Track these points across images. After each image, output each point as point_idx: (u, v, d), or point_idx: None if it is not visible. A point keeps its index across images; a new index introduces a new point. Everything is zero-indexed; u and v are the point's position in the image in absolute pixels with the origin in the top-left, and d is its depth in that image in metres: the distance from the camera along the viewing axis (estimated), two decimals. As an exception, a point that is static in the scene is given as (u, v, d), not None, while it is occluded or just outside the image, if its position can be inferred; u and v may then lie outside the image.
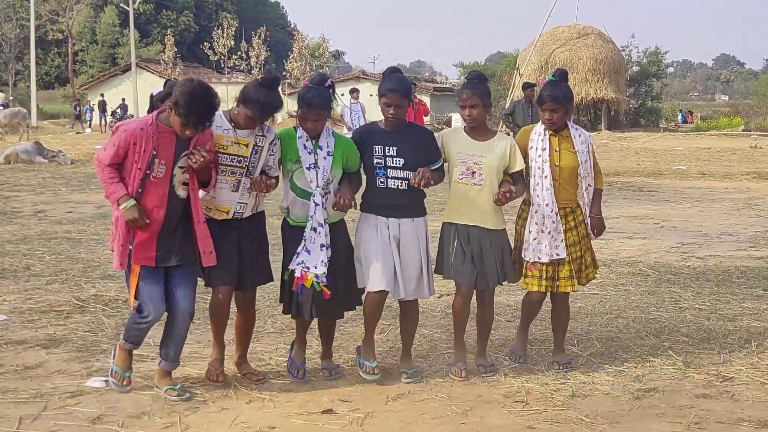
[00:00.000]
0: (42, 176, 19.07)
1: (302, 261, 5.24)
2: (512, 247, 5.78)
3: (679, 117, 58.74)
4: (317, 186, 5.24)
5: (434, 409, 5.11)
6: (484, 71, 52.21)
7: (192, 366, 5.67)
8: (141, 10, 60.08)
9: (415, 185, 5.31)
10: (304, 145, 5.30)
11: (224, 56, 52.23)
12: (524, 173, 5.71)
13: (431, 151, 5.51)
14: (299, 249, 5.26)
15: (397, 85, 5.41)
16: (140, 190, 4.92)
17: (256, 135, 5.23)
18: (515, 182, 5.62)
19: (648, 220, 13.17)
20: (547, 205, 5.60)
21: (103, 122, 45.95)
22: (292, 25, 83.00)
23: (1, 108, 34.35)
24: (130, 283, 5.08)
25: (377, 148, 5.40)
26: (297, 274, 5.25)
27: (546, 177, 5.59)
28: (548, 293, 5.82)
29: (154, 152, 4.91)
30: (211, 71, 54.88)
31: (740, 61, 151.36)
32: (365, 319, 5.56)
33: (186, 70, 50.74)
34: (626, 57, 50.56)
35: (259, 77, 5.22)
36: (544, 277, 5.69)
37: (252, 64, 52.24)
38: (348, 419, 4.93)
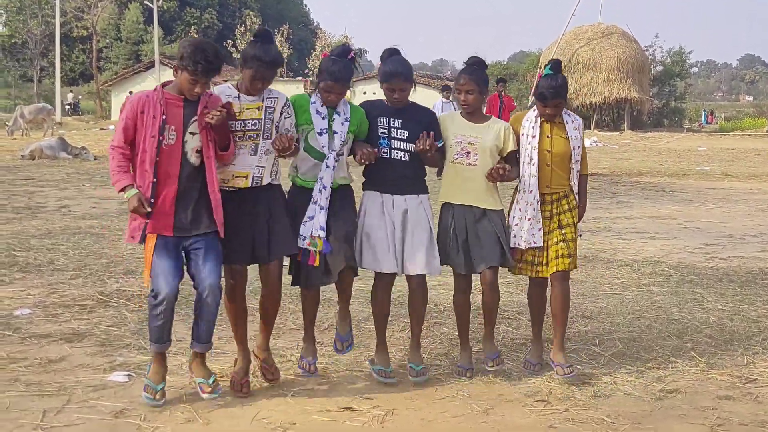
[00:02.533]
0: (66, 172, 19.20)
1: (310, 228, 5.25)
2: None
3: (703, 117, 58.40)
4: (332, 150, 5.25)
5: (455, 407, 5.10)
6: (507, 70, 52.23)
7: (212, 362, 5.67)
8: (165, 8, 60.45)
9: (420, 147, 5.28)
10: (317, 110, 5.29)
11: (247, 54, 52.37)
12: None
13: (435, 129, 5.49)
14: (308, 215, 5.25)
15: (399, 68, 5.40)
16: (157, 159, 4.86)
17: (267, 98, 5.20)
18: (510, 165, 5.61)
19: (671, 221, 13.10)
20: (530, 191, 5.58)
21: None
22: (315, 23, 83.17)
23: (68, 108, 34.96)
24: (145, 258, 4.98)
25: (382, 119, 5.43)
26: (303, 244, 5.24)
27: (534, 164, 5.56)
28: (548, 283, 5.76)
29: (164, 116, 4.86)
30: (233, 68, 55.00)
31: (765, 61, 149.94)
32: (375, 317, 5.61)
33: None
34: (650, 57, 50.32)
35: (252, 35, 5.21)
36: (528, 261, 5.67)
37: (275, 61, 52.33)
38: (368, 416, 4.94)
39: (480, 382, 5.53)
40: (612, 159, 25.76)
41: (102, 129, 42.17)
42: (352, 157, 5.45)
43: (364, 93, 51.61)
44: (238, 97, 5.15)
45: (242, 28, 54.52)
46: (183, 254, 5.03)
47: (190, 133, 4.93)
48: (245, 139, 5.14)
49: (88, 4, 57.64)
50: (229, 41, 54.33)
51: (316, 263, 5.24)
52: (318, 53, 54.24)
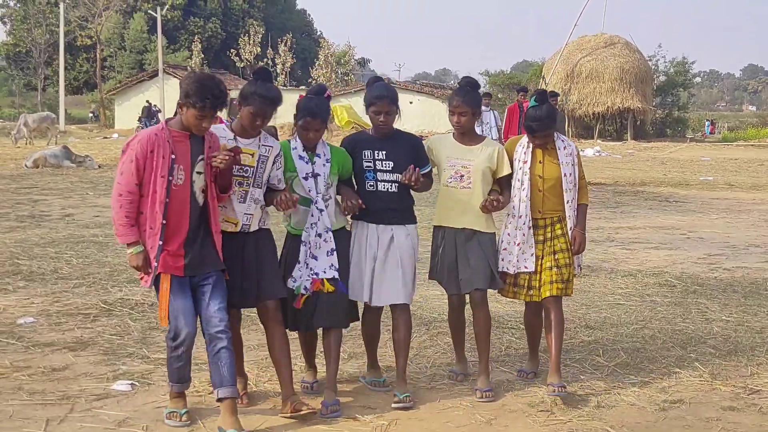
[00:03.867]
0: (70, 180, 19.22)
1: (311, 269, 5.18)
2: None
3: (706, 127, 58.44)
4: (317, 193, 5.20)
5: (458, 417, 5.10)
6: (510, 80, 52.19)
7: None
8: (169, 17, 60.64)
9: (405, 182, 5.28)
10: (300, 155, 5.23)
11: (250, 63, 52.54)
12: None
13: (420, 156, 5.49)
14: (300, 259, 5.18)
15: (385, 92, 5.39)
16: (167, 200, 4.72)
17: (261, 145, 5.12)
18: (503, 189, 5.64)
19: (674, 231, 13.09)
20: (520, 216, 5.57)
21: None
22: (318, 33, 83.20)
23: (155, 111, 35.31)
24: (160, 299, 4.81)
25: (366, 152, 5.40)
26: (306, 286, 5.17)
27: (524, 189, 5.56)
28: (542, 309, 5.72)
29: (173, 156, 4.74)
30: (237, 78, 55.12)
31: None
32: (364, 339, 5.71)
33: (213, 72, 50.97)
34: (653, 66, 50.31)
35: (251, 73, 5.15)
36: (521, 285, 5.63)
37: (278, 71, 52.50)
38: (372, 426, 4.93)
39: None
40: (615, 169, 25.76)
41: (105, 138, 42.22)
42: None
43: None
44: (234, 139, 5.07)
45: (246, 38, 54.62)
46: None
47: (197, 173, 4.84)
48: (235, 185, 5.05)
49: (92, 13, 57.80)
50: (232, 50, 54.48)
51: (299, 305, 5.19)
52: (321, 62, 54.34)
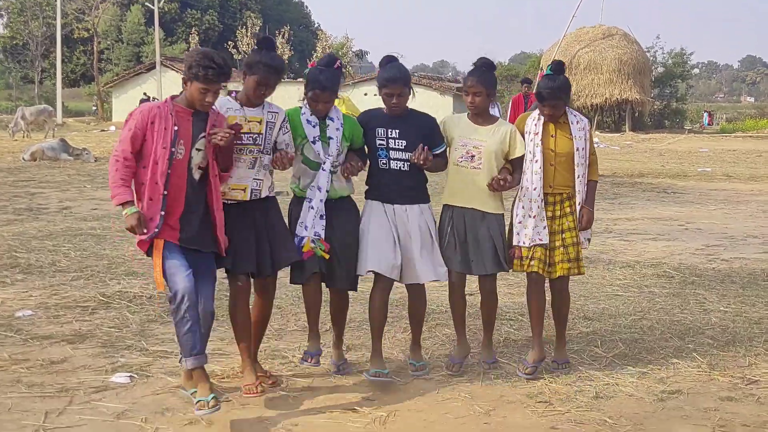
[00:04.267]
0: (67, 173, 19.21)
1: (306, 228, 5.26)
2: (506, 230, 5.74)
3: (704, 118, 58.44)
4: (329, 155, 5.27)
5: (457, 408, 5.10)
6: (508, 71, 52.09)
7: (215, 363, 5.68)
8: (166, 9, 60.48)
9: (415, 161, 5.32)
10: (308, 119, 5.29)
11: (248, 55, 52.47)
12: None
13: (434, 136, 5.53)
14: (302, 217, 5.27)
15: (397, 74, 5.41)
16: (169, 171, 4.75)
17: (268, 112, 5.20)
18: (514, 170, 5.64)
19: (672, 222, 13.09)
20: (534, 189, 5.57)
21: None
22: (316, 25, 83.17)
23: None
24: (154, 262, 4.80)
25: (380, 130, 5.43)
26: (302, 243, 5.25)
27: (537, 161, 5.56)
28: (545, 281, 5.74)
29: (176, 128, 4.76)
30: (235, 69, 55.08)
31: (766, 62, 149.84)
32: (371, 323, 5.55)
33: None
34: (651, 58, 50.30)
35: (255, 41, 5.08)
36: (530, 257, 5.60)
37: (276, 63, 52.41)
38: (371, 417, 4.93)
39: (482, 383, 5.53)
40: (613, 160, 25.75)
41: (103, 131, 42.18)
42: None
43: (365, 95, 51.53)
44: (241, 108, 5.14)
45: (243, 30, 54.52)
46: None
47: (197, 149, 4.86)
48: (245, 152, 5.12)
49: (89, 5, 57.64)
50: (230, 42, 54.38)
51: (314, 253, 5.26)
52: (319, 55, 54.24)
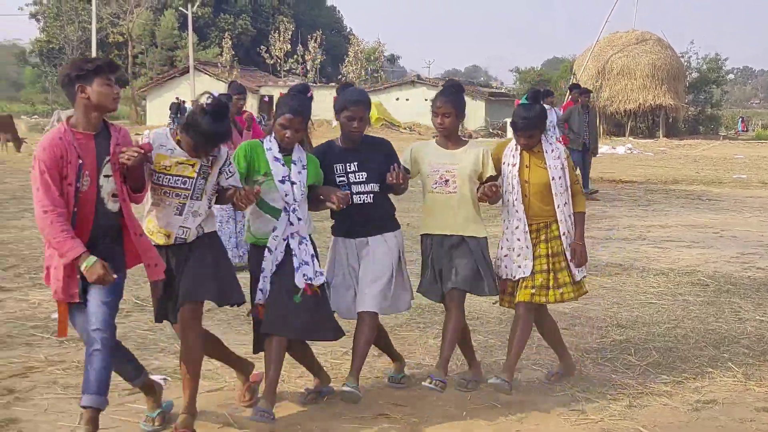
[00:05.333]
0: (102, 176, 19.33)
1: (304, 274, 4.91)
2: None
3: (738, 124, 57.90)
4: (295, 200, 4.94)
5: (489, 415, 5.08)
6: (540, 77, 51.87)
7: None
8: (199, 14, 60.90)
9: (392, 182, 5.06)
10: (275, 157, 4.94)
11: (280, 60, 52.77)
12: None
13: (392, 160, 5.26)
14: (265, 269, 4.91)
15: (360, 96, 5.23)
16: (75, 209, 4.29)
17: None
18: None
19: (707, 229, 12.97)
20: (519, 220, 5.41)
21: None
22: (348, 29, 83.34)
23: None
24: (60, 315, 4.49)
25: (338, 166, 5.19)
26: (300, 285, 4.89)
27: (515, 193, 5.42)
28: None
29: (80, 161, 4.27)
30: (267, 74, 55.36)
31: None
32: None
33: (243, 73, 51.28)
34: (685, 63, 49.90)
35: (202, 100, 4.60)
36: (508, 293, 5.52)
37: (308, 67, 52.66)
38: (402, 423, 4.93)
39: (514, 390, 5.49)
40: (647, 166, 25.57)
41: (137, 134, 42.42)
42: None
43: (397, 99, 51.39)
44: (174, 149, 4.66)
45: (276, 34, 54.78)
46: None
47: (105, 176, 4.38)
48: (171, 195, 4.68)
49: (123, 10, 58.24)
50: (262, 47, 54.65)
51: (261, 317, 4.93)
52: (351, 59, 54.40)
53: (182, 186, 4.68)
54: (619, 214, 14.66)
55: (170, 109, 45.98)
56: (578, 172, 16.75)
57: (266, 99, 48.37)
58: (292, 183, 4.93)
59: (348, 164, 5.19)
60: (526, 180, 5.42)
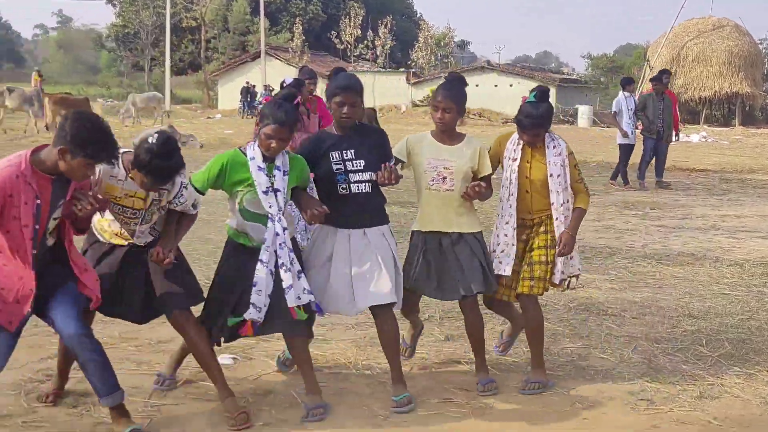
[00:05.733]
0: (174, 159, 19.63)
1: (297, 295, 4.74)
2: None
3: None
4: (279, 209, 4.77)
5: (556, 403, 5.06)
6: (613, 63, 50.93)
7: (316, 348, 5.76)
8: (271, -1, 61.34)
9: (383, 181, 4.85)
10: (258, 166, 4.76)
11: (351, 45, 52.86)
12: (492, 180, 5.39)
13: (387, 150, 5.12)
14: (260, 284, 4.72)
15: (350, 82, 5.00)
16: (34, 251, 4.18)
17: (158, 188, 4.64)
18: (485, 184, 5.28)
19: (784, 220, 12.65)
20: (510, 216, 5.32)
21: (246, 109, 45.61)
22: (418, 15, 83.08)
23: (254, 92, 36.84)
24: None
25: (334, 154, 4.97)
26: (255, 315, 4.73)
27: (512, 188, 5.29)
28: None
29: (38, 201, 4.11)
30: (337, 59, 55.53)
31: None
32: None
33: (313, 58, 51.54)
34: (764, 50, 48.59)
35: (150, 140, 4.42)
36: (503, 284, 5.39)
37: (377, 53, 52.70)
38: (468, 408, 4.94)
39: (582, 378, 5.46)
40: (722, 155, 25.02)
41: (209, 118, 43.10)
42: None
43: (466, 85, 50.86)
44: (124, 181, 4.57)
45: (346, 20, 54.88)
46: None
47: (54, 219, 4.27)
48: (122, 219, 4.68)
49: (197, -5, 59.00)
50: (332, 32, 54.84)
51: (249, 333, 4.81)
52: (421, 45, 54.25)
53: (132, 216, 4.66)
54: (692, 203, 14.39)
55: (241, 93, 46.60)
56: (649, 160, 16.51)
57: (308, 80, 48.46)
58: (276, 191, 4.77)
59: (344, 151, 4.99)
60: (527, 176, 5.30)
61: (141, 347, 5.77)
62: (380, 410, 4.85)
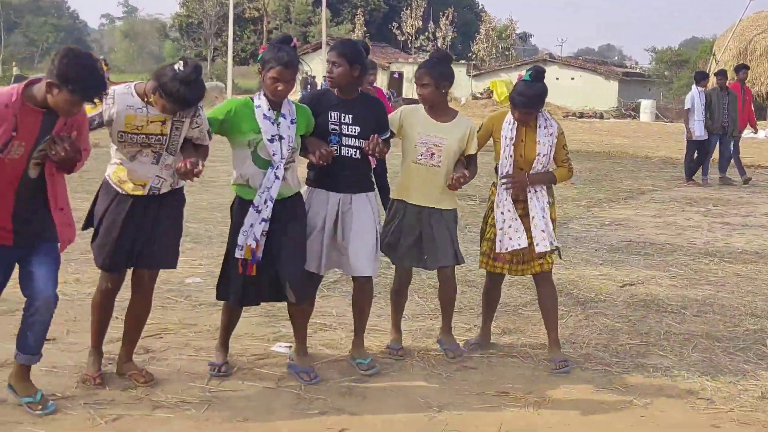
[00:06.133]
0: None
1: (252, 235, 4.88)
2: (482, 228, 5.66)
3: None
4: (282, 158, 4.84)
5: (613, 399, 5.00)
6: (678, 57, 50.09)
7: (371, 339, 5.78)
8: (333, -10, 61.49)
9: (369, 152, 5.04)
10: (265, 114, 4.84)
11: (411, 36, 52.83)
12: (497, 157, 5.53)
13: (383, 122, 5.27)
14: (246, 224, 4.88)
15: (337, 44, 5.28)
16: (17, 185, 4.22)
17: None
18: (468, 165, 5.44)
19: None
20: (507, 192, 5.43)
21: None
22: (480, 7, 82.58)
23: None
24: None
25: (333, 113, 5.12)
26: (239, 254, 4.91)
27: (507, 166, 5.42)
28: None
29: (14, 133, 4.13)
30: (398, 51, 55.54)
31: None
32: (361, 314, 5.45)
33: (374, 49, 51.58)
34: (835, 44, 47.31)
35: (177, 66, 4.47)
36: (506, 259, 5.53)
37: (438, 44, 52.57)
38: (524, 402, 4.91)
39: (640, 375, 5.40)
40: (789, 152, 24.43)
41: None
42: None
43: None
44: (144, 108, 4.60)
45: (407, 11, 54.88)
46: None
47: (39, 150, 4.27)
48: (146, 150, 4.67)
49: (260, -14, 59.45)
50: (394, 24, 54.86)
51: (254, 272, 4.91)
52: (482, 37, 53.98)
53: (156, 142, 4.67)
54: (757, 200, 14.10)
55: (300, 84, 46.86)
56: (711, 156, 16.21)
57: (396, 75, 48.63)
58: (281, 138, 4.85)
59: (343, 115, 5.13)
60: (522, 155, 5.43)
61: (200, 333, 5.85)
62: (435, 402, 4.85)
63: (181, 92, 4.42)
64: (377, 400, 4.86)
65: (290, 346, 5.58)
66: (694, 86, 16.30)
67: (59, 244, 4.51)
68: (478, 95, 46.35)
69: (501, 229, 5.46)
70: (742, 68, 16.82)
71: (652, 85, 52.31)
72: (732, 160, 16.30)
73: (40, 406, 4.42)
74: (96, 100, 4.26)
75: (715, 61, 40.93)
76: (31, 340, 4.48)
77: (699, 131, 15.70)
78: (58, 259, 4.54)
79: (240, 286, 4.99)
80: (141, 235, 4.76)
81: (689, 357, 5.77)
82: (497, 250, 5.49)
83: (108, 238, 4.72)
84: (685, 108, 16.17)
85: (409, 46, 54.03)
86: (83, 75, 4.07)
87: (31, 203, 4.36)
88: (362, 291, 5.34)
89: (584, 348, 5.87)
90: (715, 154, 16.29)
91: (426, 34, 53.70)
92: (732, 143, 16.22)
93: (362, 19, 55.08)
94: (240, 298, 5.07)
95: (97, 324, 4.97)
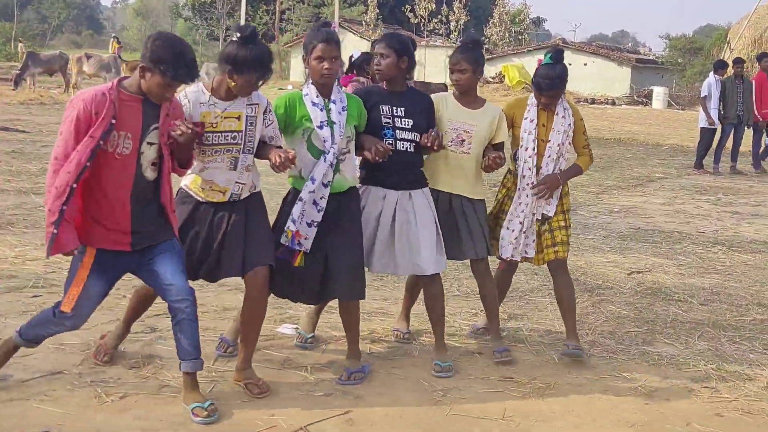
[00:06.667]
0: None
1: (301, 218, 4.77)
2: (492, 212, 5.58)
3: None
4: (334, 143, 4.72)
5: (617, 387, 5.01)
6: (692, 44, 49.73)
7: (378, 322, 5.80)
8: (346, -29, 61.27)
9: (428, 144, 4.90)
10: (313, 102, 4.77)
11: (424, 19, 52.55)
12: (516, 143, 5.50)
13: (432, 116, 5.19)
14: (295, 214, 4.78)
15: (386, 37, 5.24)
16: (87, 163, 4.05)
17: (247, 104, 4.61)
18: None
19: None
20: (530, 179, 5.38)
21: None
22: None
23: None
24: (76, 274, 4.27)
25: (384, 107, 5.03)
26: (284, 239, 4.79)
27: (529, 150, 5.38)
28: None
29: (113, 121, 4.09)
30: (410, 33, 55.33)
31: None
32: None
33: (386, 31, 51.44)
34: None
35: (234, 36, 4.53)
36: (520, 246, 5.47)
37: (451, 28, 52.35)
38: (528, 388, 4.92)
39: (645, 363, 5.40)
40: (801, 142, 24.31)
41: (281, 89, 43.33)
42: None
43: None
44: (215, 104, 4.56)
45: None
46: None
47: (148, 143, 4.25)
48: (222, 153, 4.57)
49: (273, -34, 59.24)
50: (407, 6, 54.58)
51: (298, 262, 4.79)
52: (495, 21, 53.73)
53: (232, 141, 4.58)
54: (767, 189, 14.06)
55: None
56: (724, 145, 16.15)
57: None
58: (332, 124, 4.76)
59: (395, 108, 5.04)
60: (543, 139, 5.42)
61: (206, 314, 5.86)
62: (439, 385, 4.87)
63: (254, 52, 4.46)
64: (382, 384, 4.88)
65: (296, 328, 5.60)
66: (711, 74, 16.22)
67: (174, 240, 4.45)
68: (490, 79, 46.15)
69: (516, 237, 5.41)
70: (765, 56, 16.66)
71: (665, 72, 51.99)
72: (752, 151, 16.27)
73: (205, 412, 4.28)
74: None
75: (729, 48, 40.68)
76: (185, 344, 4.35)
77: (713, 119, 15.69)
78: (181, 252, 4.47)
79: (283, 278, 4.83)
80: (230, 239, 4.62)
81: (695, 345, 5.78)
82: (510, 256, 5.44)
83: (187, 248, 4.61)
84: (702, 96, 16.09)
85: (422, 29, 53.76)
86: (173, 56, 4.11)
87: (148, 207, 4.33)
88: (431, 290, 5.16)
89: (590, 335, 5.87)
90: (729, 143, 16.22)
91: (439, 17, 53.39)
92: (753, 134, 16.19)
93: (375, 1, 54.76)
94: (281, 290, 4.92)
95: (132, 312, 4.97)
